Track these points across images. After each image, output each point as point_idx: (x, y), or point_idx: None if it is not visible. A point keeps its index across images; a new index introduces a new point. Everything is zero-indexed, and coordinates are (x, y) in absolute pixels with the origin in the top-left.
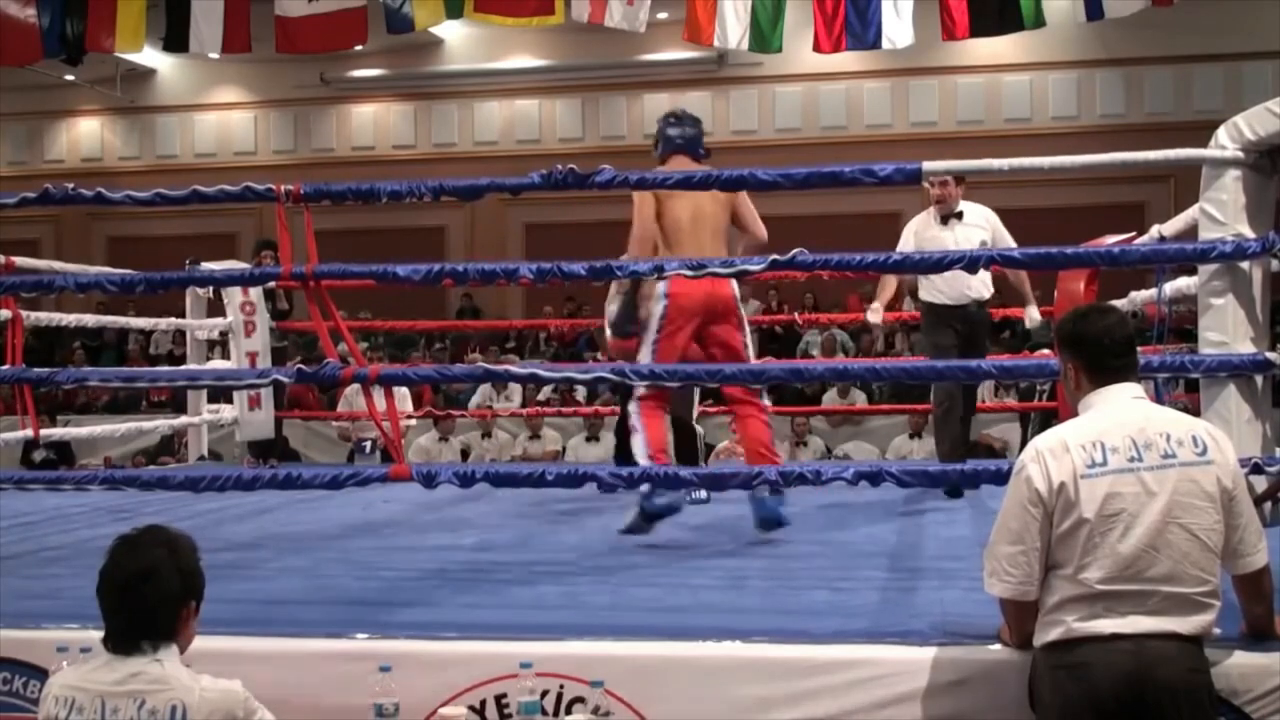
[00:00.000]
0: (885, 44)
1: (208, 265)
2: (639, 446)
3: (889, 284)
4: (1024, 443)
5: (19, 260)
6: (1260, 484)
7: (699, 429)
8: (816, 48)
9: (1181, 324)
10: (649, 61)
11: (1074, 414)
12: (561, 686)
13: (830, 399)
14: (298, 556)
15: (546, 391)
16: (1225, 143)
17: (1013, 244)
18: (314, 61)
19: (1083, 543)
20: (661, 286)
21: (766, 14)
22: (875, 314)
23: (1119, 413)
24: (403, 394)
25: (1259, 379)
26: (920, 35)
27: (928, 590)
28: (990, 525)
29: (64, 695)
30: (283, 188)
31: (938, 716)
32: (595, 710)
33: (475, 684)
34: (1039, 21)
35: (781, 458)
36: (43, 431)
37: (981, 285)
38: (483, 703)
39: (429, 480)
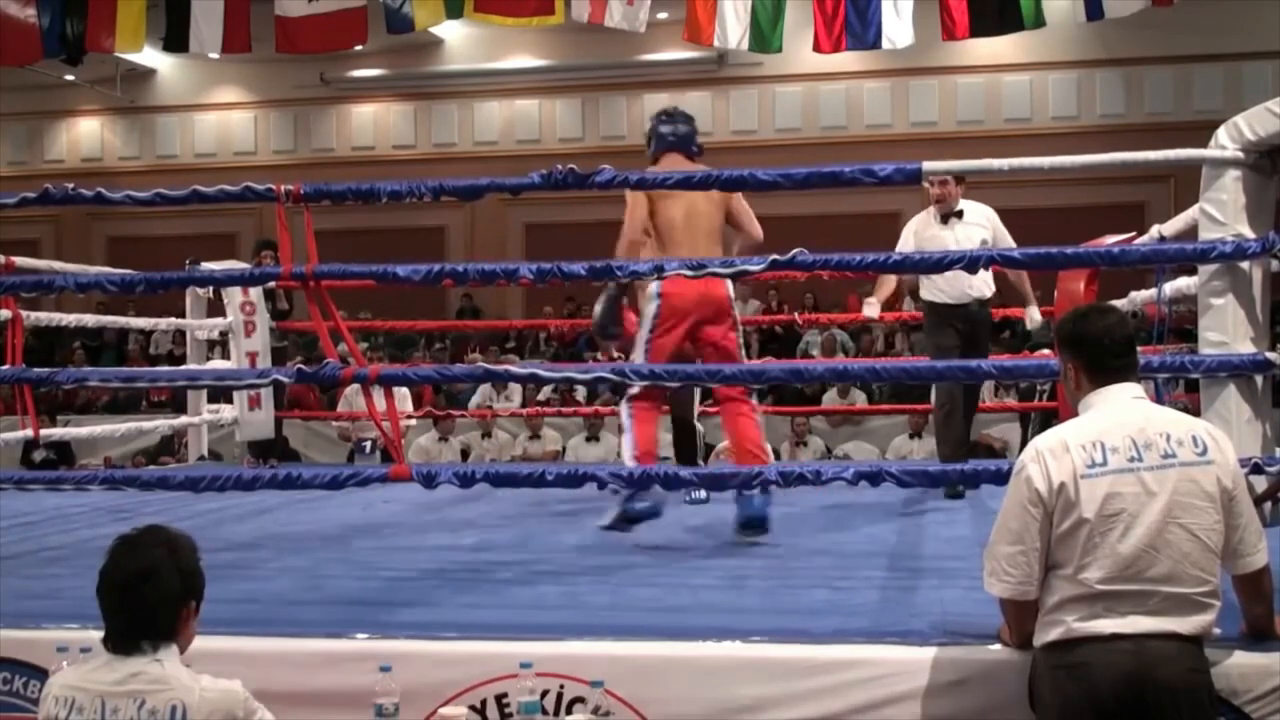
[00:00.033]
0: (885, 44)
1: (208, 265)
2: (626, 447)
3: (888, 280)
4: (1024, 443)
5: (19, 260)
6: (1260, 484)
7: (699, 427)
8: (816, 48)
9: (1181, 324)
10: (649, 61)
11: (1074, 414)
12: (561, 686)
13: (830, 399)
14: (298, 556)
15: (546, 391)
16: (1225, 143)
17: (1012, 243)
18: (314, 61)
19: (1083, 543)
20: (655, 286)
21: (766, 14)
22: (872, 308)
23: (1119, 413)
24: (403, 394)
25: (1259, 379)
26: (920, 35)
27: (928, 590)
28: (990, 525)
29: (64, 695)
30: (283, 188)
31: (938, 716)
32: (595, 710)
33: (475, 684)
34: (1039, 21)
35: (770, 456)
36: (43, 431)
37: (983, 284)
38: (483, 702)
39: (429, 480)
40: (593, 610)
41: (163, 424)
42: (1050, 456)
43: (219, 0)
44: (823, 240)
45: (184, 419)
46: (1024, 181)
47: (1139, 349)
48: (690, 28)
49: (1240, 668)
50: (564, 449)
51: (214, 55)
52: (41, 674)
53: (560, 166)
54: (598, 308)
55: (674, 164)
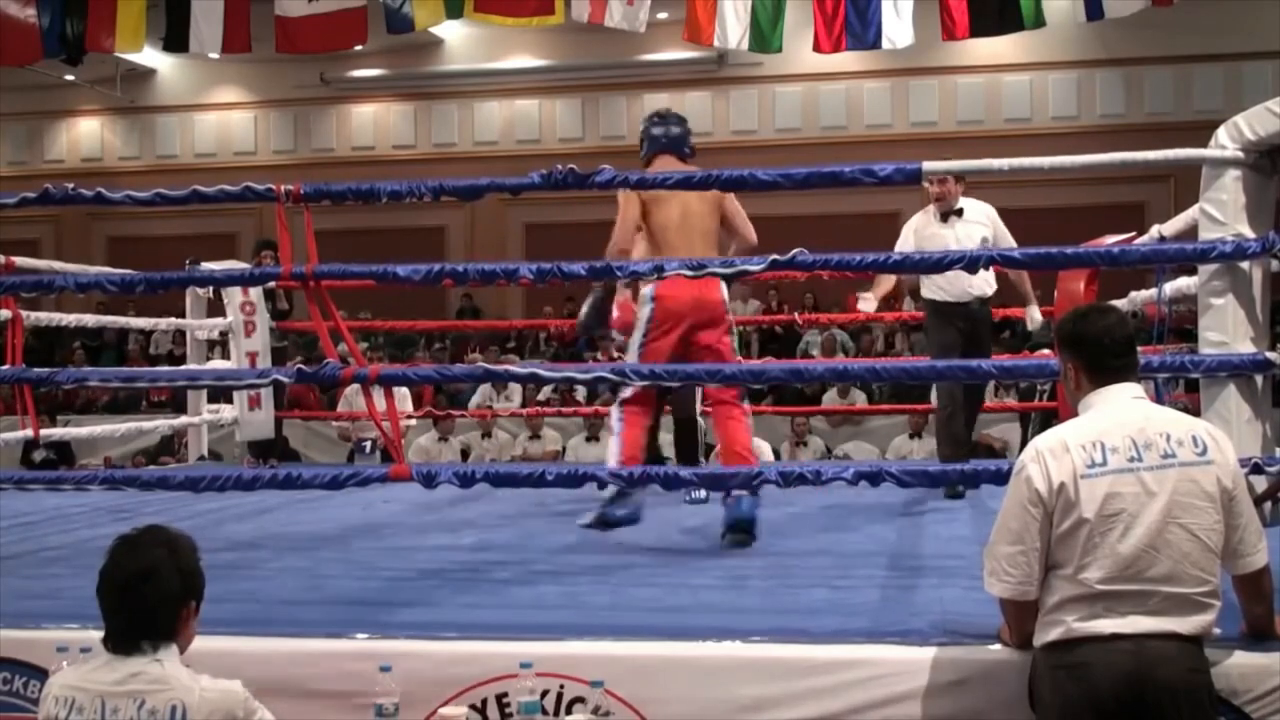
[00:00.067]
0: (885, 44)
1: (208, 265)
2: (613, 450)
3: (887, 278)
4: (1024, 443)
5: (19, 260)
6: (1260, 484)
7: (701, 423)
8: (816, 48)
9: (1181, 324)
10: (649, 61)
11: (1074, 414)
12: (561, 686)
13: (830, 399)
14: (298, 556)
15: (546, 391)
16: (1225, 143)
17: (1013, 241)
18: (314, 61)
19: (1083, 543)
20: (650, 289)
21: (766, 14)
22: (867, 303)
23: (1119, 413)
24: (403, 394)
25: (1259, 379)
26: (920, 35)
27: (927, 590)
28: (990, 525)
29: (64, 695)
30: (283, 188)
31: (938, 716)
32: (595, 710)
33: (475, 684)
34: (1039, 21)
35: (758, 460)
36: (43, 431)
37: (984, 282)
38: (483, 702)
39: (429, 480)
40: (593, 610)
41: (163, 424)
42: (1050, 456)
43: (219, 0)
44: (823, 240)
45: (184, 419)
46: (1024, 181)
47: (1139, 349)
48: (690, 28)
49: (1240, 668)
50: (564, 449)
51: (214, 55)
52: (41, 674)
53: (560, 166)
54: (583, 308)
55: (667, 166)
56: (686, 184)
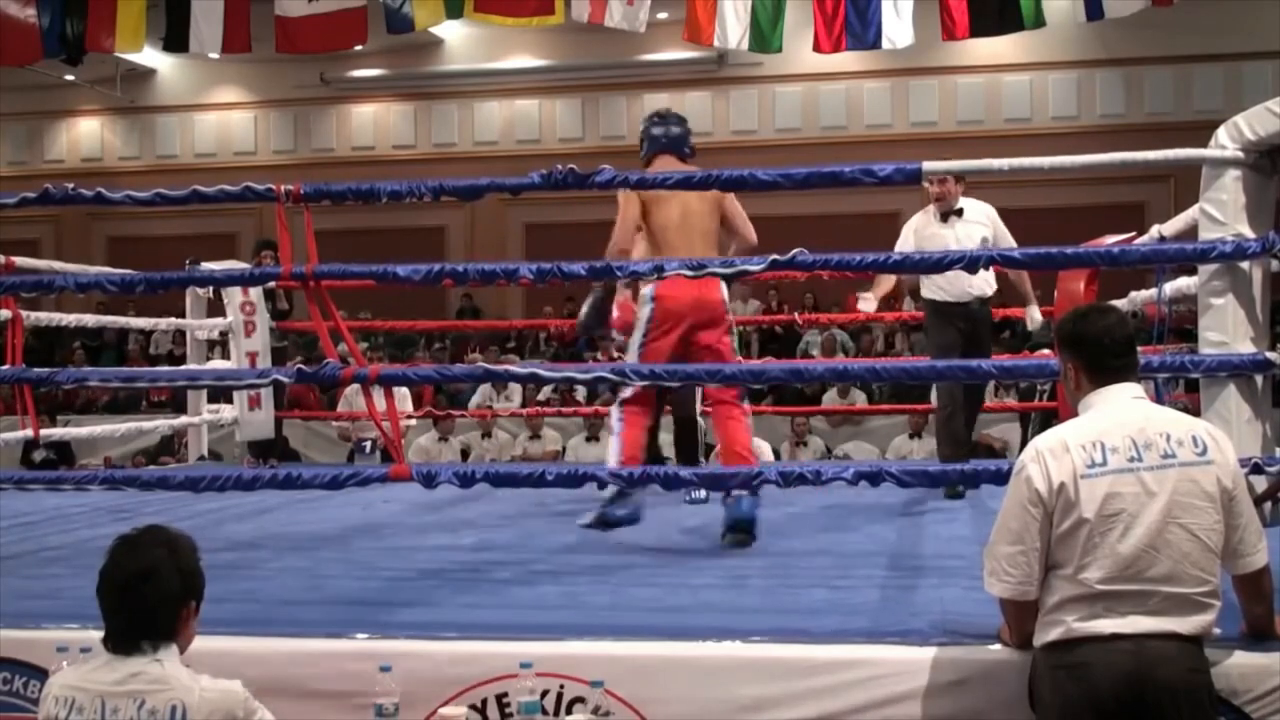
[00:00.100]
0: (885, 44)
1: (208, 265)
2: (613, 451)
3: (887, 278)
4: (1024, 443)
5: (19, 260)
6: (1260, 484)
7: (700, 423)
8: (816, 48)
9: (1181, 324)
10: (649, 61)
11: (1074, 414)
12: (561, 686)
13: (830, 399)
14: (298, 556)
15: (546, 391)
16: (1225, 143)
17: (1013, 241)
18: (314, 61)
19: (1083, 543)
20: (649, 289)
21: (766, 14)
22: (867, 303)
23: (1119, 413)
24: (403, 394)
25: (1259, 379)
26: (920, 35)
27: (927, 590)
28: (990, 525)
29: (64, 695)
30: (283, 188)
31: (938, 716)
32: (595, 710)
33: (475, 684)
34: (1039, 21)
35: (758, 460)
36: (43, 431)
37: (984, 282)
38: (483, 702)
39: (429, 480)
40: (593, 610)
41: (163, 424)
42: (1050, 456)
43: (219, 0)
44: (823, 240)
45: (184, 419)
46: (1024, 181)
47: (1139, 349)
48: (690, 28)
49: (1240, 668)
50: (564, 449)
51: (214, 55)
52: (41, 674)
53: (560, 166)
54: (583, 309)
55: (667, 166)
56: (686, 184)
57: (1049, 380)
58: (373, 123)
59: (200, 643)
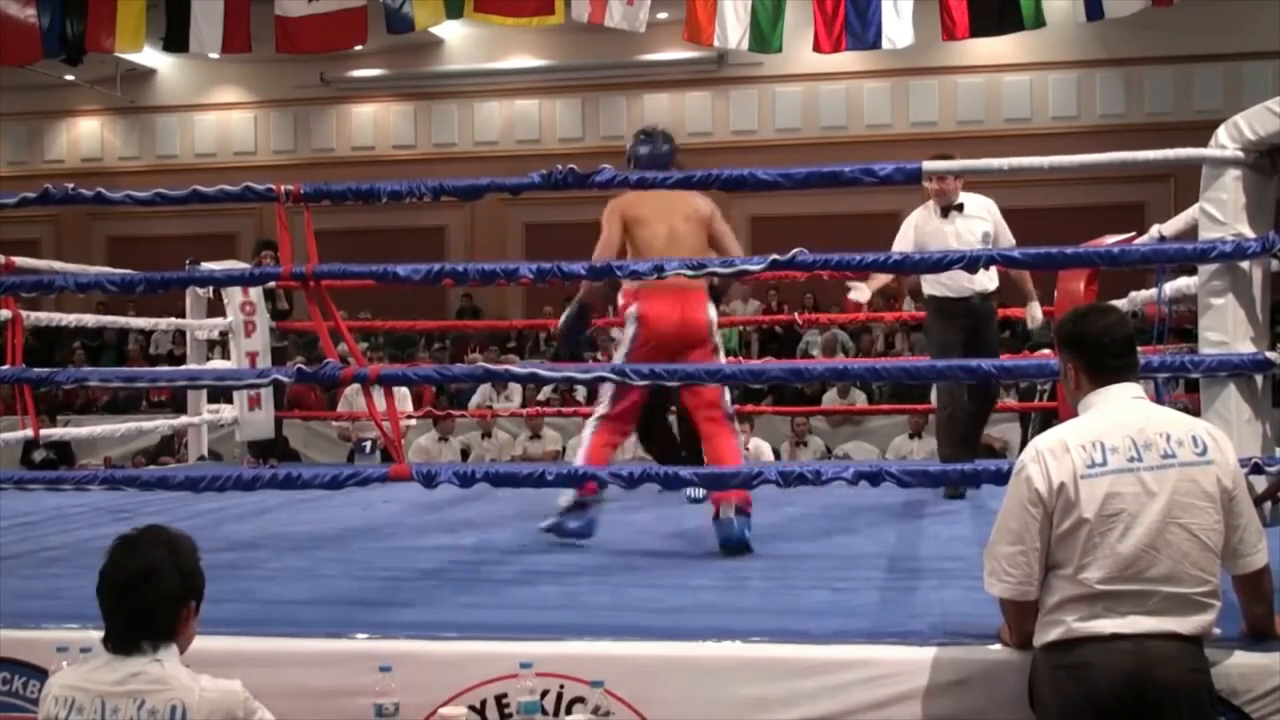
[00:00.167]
0: (885, 44)
1: (208, 265)
2: (578, 460)
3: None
4: (1024, 443)
5: (19, 260)
6: (1260, 484)
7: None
8: (816, 48)
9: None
10: (649, 61)
11: (1074, 414)
12: (561, 686)
13: (830, 399)
14: (298, 556)
15: (546, 391)
16: (1225, 142)
17: (1012, 236)
18: (314, 61)
19: (1083, 543)
20: (634, 309)
21: (766, 14)
22: (860, 292)
23: (1119, 413)
24: (403, 394)
25: (1259, 379)
26: (920, 35)
27: (927, 590)
28: (990, 525)
29: (64, 695)
30: (283, 188)
31: (938, 716)
32: (595, 710)
33: (475, 684)
34: (1039, 21)
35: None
36: (43, 431)
37: (985, 278)
38: (483, 703)
39: (429, 480)
40: (592, 610)
41: (163, 424)
42: (1050, 456)
43: (219, 0)
44: (823, 240)
45: (184, 419)
46: (1024, 181)
47: (1139, 349)
48: (690, 28)
49: (1240, 668)
50: (564, 449)
51: (214, 55)
52: (41, 674)
53: (560, 166)
54: (564, 316)
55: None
56: (686, 184)
57: (1049, 380)
58: (373, 123)
59: (200, 643)
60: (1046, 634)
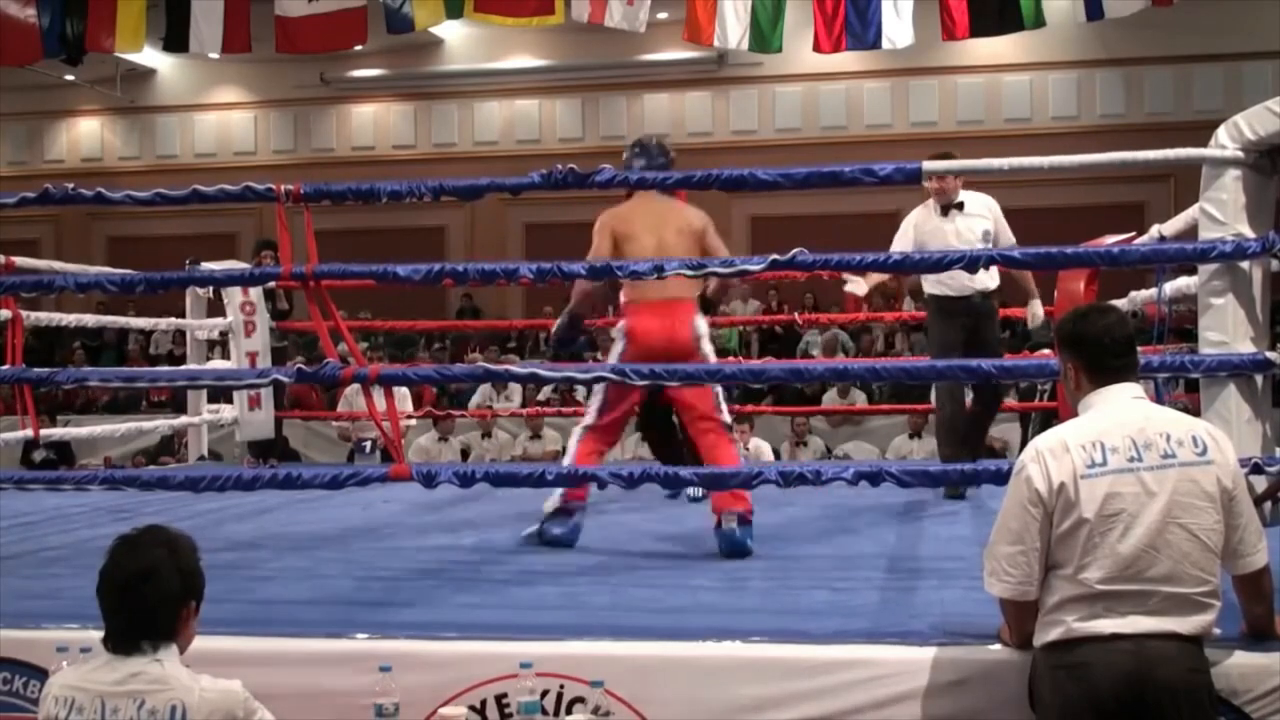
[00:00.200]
0: (885, 44)
1: (208, 265)
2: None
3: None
4: (1024, 443)
5: (19, 260)
6: (1260, 484)
7: None
8: (816, 48)
9: (1181, 324)
10: (649, 61)
11: (1074, 414)
12: (561, 686)
13: (830, 399)
14: (298, 556)
15: (546, 391)
16: (1225, 142)
17: (1013, 236)
18: (314, 61)
19: (1083, 543)
20: (622, 324)
21: (766, 14)
22: (856, 285)
23: (1119, 413)
24: (403, 394)
25: (1259, 379)
26: (920, 35)
27: (927, 590)
28: (990, 525)
29: (64, 695)
30: (283, 188)
31: (938, 716)
32: (595, 710)
33: (475, 684)
34: (1039, 21)
35: (749, 497)
36: (43, 431)
37: (985, 276)
38: (483, 703)
39: (429, 480)
40: (592, 610)
41: (163, 424)
42: (1050, 456)
43: (219, 0)
44: (823, 240)
45: (184, 419)
46: (1024, 181)
47: (1139, 349)
48: (690, 28)
49: (1240, 668)
50: (564, 449)
51: (214, 55)
52: (41, 674)
53: (560, 166)
54: (555, 326)
55: (648, 199)
56: (686, 183)
57: (1049, 380)
58: (373, 123)
59: (200, 643)
60: (1046, 634)
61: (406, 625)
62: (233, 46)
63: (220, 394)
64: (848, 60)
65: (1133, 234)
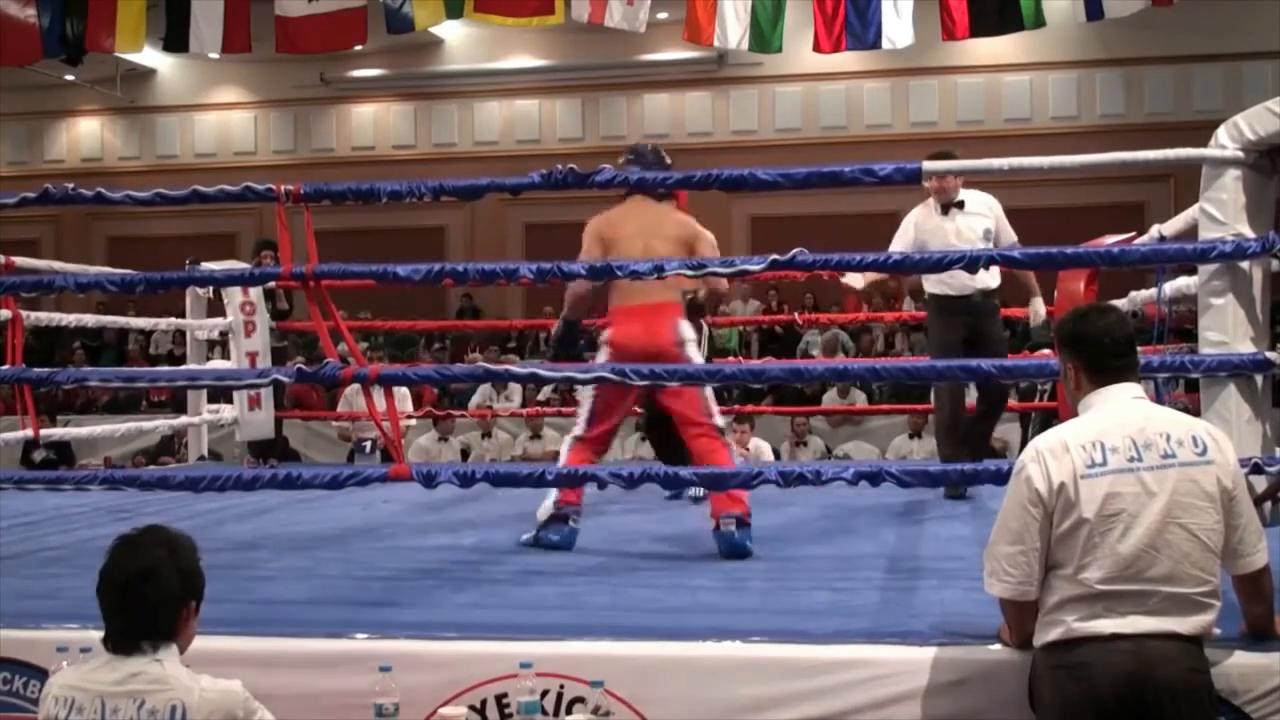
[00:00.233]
0: (885, 44)
1: (208, 265)
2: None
3: None
4: (1024, 443)
5: (19, 260)
6: (1260, 484)
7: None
8: (816, 48)
9: (1181, 324)
10: (649, 61)
11: (1074, 414)
12: (561, 686)
13: (830, 399)
14: (298, 556)
15: (546, 391)
16: (1225, 142)
17: (1014, 235)
18: (314, 61)
19: (1083, 543)
20: (606, 334)
21: (766, 14)
22: (853, 278)
23: (1119, 413)
24: (403, 394)
25: (1259, 379)
26: (920, 35)
27: (927, 590)
28: (990, 526)
29: (64, 695)
30: (283, 188)
31: (938, 716)
32: (595, 710)
33: (475, 684)
34: (1039, 21)
35: (746, 499)
36: (43, 431)
37: (986, 274)
38: (483, 703)
39: (429, 480)
40: (592, 610)
41: (163, 424)
42: (1050, 456)
43: (219, 0)
44: (823, 240)
45: (184, 419)
46: (1024, 181)
47: (1139, 349)
48: (690, 28)
49: (1240, 668)
50: None
51: (214, 55)
52: (41, 674)
53: (560, 166)
54: (553, 332)
55: (639, 204)
56: (686, 184)
57: (1049, 380)
58: (373, 123)
59: (200, 643)
60: (1046, 634)
61: (406, 625)
62: (233, 46)
63: (220, 394)
64: (848, 60)
65: (1133, 234)
